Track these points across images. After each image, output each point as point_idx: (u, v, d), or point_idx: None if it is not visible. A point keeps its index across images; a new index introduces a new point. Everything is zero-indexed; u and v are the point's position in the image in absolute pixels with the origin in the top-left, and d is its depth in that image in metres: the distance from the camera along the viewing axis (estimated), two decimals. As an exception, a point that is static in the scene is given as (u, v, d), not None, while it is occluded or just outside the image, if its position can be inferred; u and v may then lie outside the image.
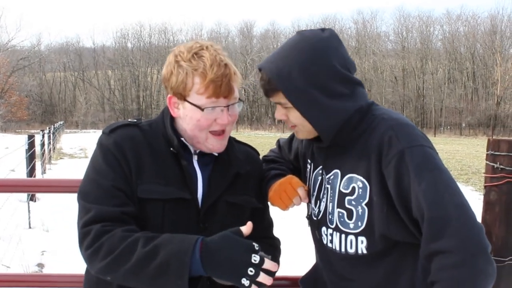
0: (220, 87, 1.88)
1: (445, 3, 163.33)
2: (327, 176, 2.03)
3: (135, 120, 2.06)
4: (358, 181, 1.89)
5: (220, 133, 1.99)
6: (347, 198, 1.92)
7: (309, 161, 2.20)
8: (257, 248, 1.73)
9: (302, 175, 2.27)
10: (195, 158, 2.05)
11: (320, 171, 2.09)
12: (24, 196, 10.23)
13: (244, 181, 2.12)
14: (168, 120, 2.04)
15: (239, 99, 2.02)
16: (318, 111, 1.89)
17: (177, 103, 1.98)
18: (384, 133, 1.83)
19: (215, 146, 2.00)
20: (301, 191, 2.11)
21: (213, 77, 1.87)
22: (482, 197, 2.41)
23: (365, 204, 1.87)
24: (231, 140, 2.17)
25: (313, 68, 1.86)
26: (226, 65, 1.91)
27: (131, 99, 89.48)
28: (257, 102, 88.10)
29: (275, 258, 2.13)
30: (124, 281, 1.77)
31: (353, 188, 1.90)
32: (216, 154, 2.07)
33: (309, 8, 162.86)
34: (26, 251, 6.67)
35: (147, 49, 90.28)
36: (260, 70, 1.97)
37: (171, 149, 1.98)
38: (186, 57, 1.91)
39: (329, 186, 2.01)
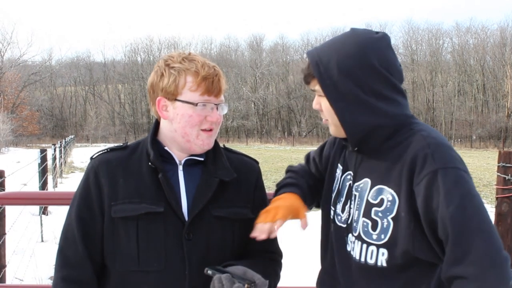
0: (212, 84, 2.00)
1: (454, 15, 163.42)
2: (356, 184, 2.01)
3: (121, 144, 2.16)
4: (388, 194, 1.87)
5: (209, 131, 2.05)
6: (374, 208, 1.90)
7: (339, 165, 2.18)
8: None
9: (326, 178, 2.25)
10: (180, 168, 2.08)
11: (349, 177, 2.07)
12: (36, 210, 10.29)
13: (233, 191, 2.11)
14: (150, 135, 2.11)
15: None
16: (347, 105, 1.89)
17: (166, 105, 2.04)
18: (420, 150, 1.81)
19: (205, 141, 2.05)
20: (279, 224, 2.04)
21: (205, 75, 1.99)
22: (494, 209, 2.41)
23: (392, 218, 1.85)
24: (220, 149, 2.19)
25: (349, 61, 1.87)
26: (214, 67, 2.04)
27: (141, 113, 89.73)
28: (267, 115, 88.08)
29: (276, 274, 2.15)
30: None
31: (382, 199, 1.88)
32: (203, 159, 2.11)
33: (318, 21, 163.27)
34: (39, 264, 6.71)
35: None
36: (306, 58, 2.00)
37: (149, 163, 2.03)
38: (177, 60, 2.03)
39: (357, 193, 1.99)
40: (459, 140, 70.68)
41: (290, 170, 2.41)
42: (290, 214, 2.09)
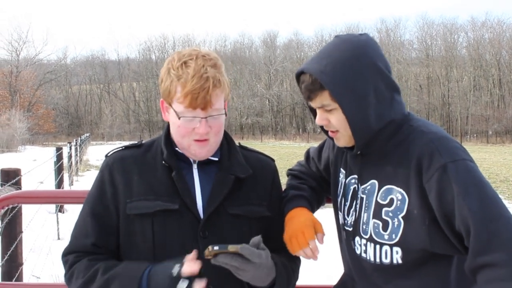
0: (196, 99, 1.88)
1: (470, 9, 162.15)
2: (363, 186, 2.00)
3: (136, 143, 2.16)
4: (397, 193, 1.86)
5: (202, 141, 1.99)
6: (384, 209, 1.90)
7: (341, 170, 2.17)
8: (176, 273, 1.77)
9: (331, 184, 2.25)
10: (194, 167, 2.07)
11: (354, 181, 2.06)
12: (52, 208, 10.35)
13: (249, 189, 2.10)
14: (164, 134, 2.11)
15: (225, 111, 2.02)
16: (360, 110, 1.86)
17: (167, 107, 2.02)
18: (425, 146, 1.82)
19: (197, 151, 2.00)
20: (312, 244, 2.05)
21: (190, 89, 1.88)
22: (511, 205, 2.39)
23: (402, 217, 1.85)
24: (235, 146, 2.18)
25: (358, 64, 1.85)
26: (207, 78, 1.89)
27: (156, 111, 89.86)
28: (281, 112, 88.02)
29: (293, 271, 2.11)
30: None
31: (391, 199, 1.88)
32: (217, 159, 2.09)
33: (332, 18, 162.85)
34: (56, 262, 6.72)
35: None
36: (300, 74, 1.96)
37: (163, 162, 2.03)
38: (175, 66, 1.94)
39: (364, 196, 1.99)
40: (475, 135, 70.21)
41: (291, 174, 2.41)
42: (313, 229, 2.08)
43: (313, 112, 2.09)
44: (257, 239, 1.86)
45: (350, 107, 1.86)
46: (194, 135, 1.96)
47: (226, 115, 2.03)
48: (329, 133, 2.02)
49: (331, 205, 2.30)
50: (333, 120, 1.93)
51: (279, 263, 1.99)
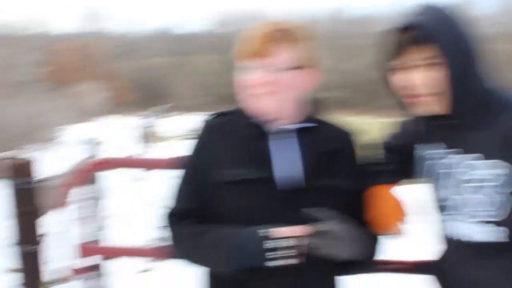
0: (251, 47, 1.91)
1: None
2: (463, 161, 1.82)
3: (223, 111, 2.17)
4: (504, 168, 1.71)
5: (259, 96, 1.94)
6: (488, 184, 1.74)
7: (431, 145, 1.99)
8: (264, 234, 1.79)
9: (417, 162, 2.09)
10: (281, 137, 2.00)
11: (445, 155, 1.90)
12: (134, 176, 10.67)
13: (333, 162, 2.02)
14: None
15: (293, 68, 1.92)
16: (465, 69, 1.73)
17: None
18: None
19: (251, 105, 1.99)
20: (401, 226, 1.99)
21: (249, 39, 1.92)
22: None
23: (511, 193, 1.71)
24: (319, 118, 2.10)
25: (464, 29, 1.77)
26: (269, 32, 1.89)
27: (233, 84, 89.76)
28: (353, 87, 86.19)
29: (373, 245, 2.07)
30: (190, 257, 2.01)
31: (496, 174, 1.72)
32: (298, 127, 2.01)
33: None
34: (138, 228, 6.95)
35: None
36: (403, 27, 1.78)
37: (246, 131, 2.03)
38: (250, 29, 1.97)
39: (465, 171, 1.81)
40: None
41: (375, 148, 2.23)
42: (401, 210, 2.01)
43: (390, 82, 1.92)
44: (335, 214, 1.85)
45: (457, 64, 1.72)
46: (249, 88, 1.97)
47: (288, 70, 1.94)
48: (412, 100, 1.84)
49: (416, 181, 2.17)
50: (434, 77, 1.75)
51: (360, 236, 1.94)
